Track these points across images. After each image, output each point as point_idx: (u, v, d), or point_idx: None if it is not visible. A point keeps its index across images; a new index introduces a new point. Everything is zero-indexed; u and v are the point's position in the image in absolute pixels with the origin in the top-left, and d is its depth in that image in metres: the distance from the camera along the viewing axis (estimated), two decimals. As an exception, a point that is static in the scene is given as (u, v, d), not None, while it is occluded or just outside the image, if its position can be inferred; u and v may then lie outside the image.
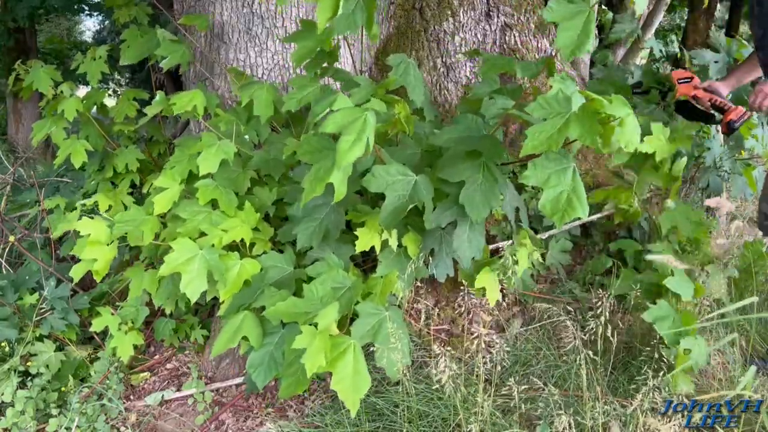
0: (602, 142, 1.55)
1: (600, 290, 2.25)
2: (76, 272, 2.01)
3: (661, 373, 1.62)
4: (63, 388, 2.12)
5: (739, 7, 5.74)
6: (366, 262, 2.25)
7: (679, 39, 5.33)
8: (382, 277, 1.92)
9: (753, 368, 1.50)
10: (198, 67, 2.66)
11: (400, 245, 1.97)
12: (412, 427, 1.76)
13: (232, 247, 1.99)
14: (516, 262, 2.04)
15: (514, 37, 2.84)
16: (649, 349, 1.76)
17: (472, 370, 1.72)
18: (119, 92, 8.39)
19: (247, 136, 2.30)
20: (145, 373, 2.31)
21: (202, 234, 1.98)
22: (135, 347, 2.17)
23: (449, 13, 2.77)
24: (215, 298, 1.97)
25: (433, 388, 1.83)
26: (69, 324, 2.23)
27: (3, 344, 2.14)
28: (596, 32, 4.30)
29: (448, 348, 1.64)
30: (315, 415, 1.95)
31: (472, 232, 1.94)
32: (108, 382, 2.15)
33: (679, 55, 4.02)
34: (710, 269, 2.07)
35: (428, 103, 2.31)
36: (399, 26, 2.84)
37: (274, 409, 2.06)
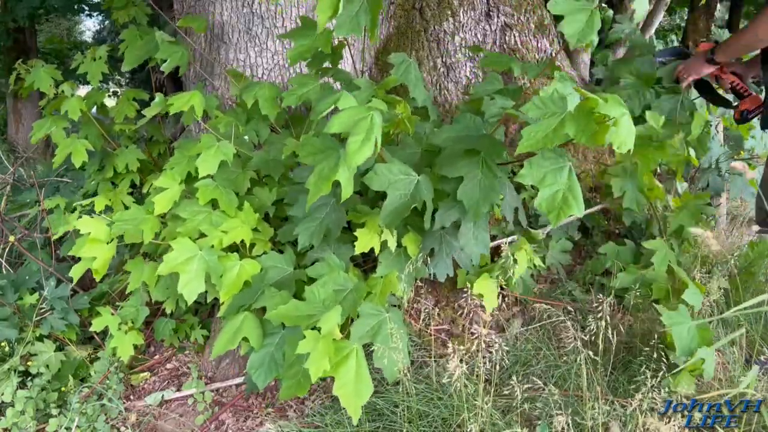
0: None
1: (600, 290, 2.25)
2: (76, 272, 2.01)
3: (661, 373, 1.62)
4: (63, 388, 2.12)
5: (739, 6, 5.74)
6: (366, 262, 2.25)
7: (679, 39, 5.33)
8: (381, 277, 1.92)
9: (756, 368, 1.51)
10: (198, 68, 2.66)
11: (399, 245, 1.97)
12: (412, 427, 1.76)
13: (232, 247, 1.99)
14: (516, 261, 2.04)
15: (514, 37, 2.84)
16: (648, 349, 1.76)
17: (472, 370, 1.72)
18: (119, 92, 8.39)
19: (246, 137, 2.30)
20: (145, 373, 2.31)
21: (202, 235, 1.98)
22: (135, 347, 2.17)
23: (449, 13, 2.77)
24: (216, 298, 1.97)
25: (433, 387, 1.83)
26: (69, 324, 2.23)
27: (3, 344, 2.14)
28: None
29: (460, 347, 1.62)
30: (315, 415, 1.95)
31: (476, 228, 1.95)
32: (108, 382, 2.15)
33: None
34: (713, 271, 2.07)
35: (430, 102, 2.31)
36: (399, 26, 2.84)
37: (274, 409, 2.06)
